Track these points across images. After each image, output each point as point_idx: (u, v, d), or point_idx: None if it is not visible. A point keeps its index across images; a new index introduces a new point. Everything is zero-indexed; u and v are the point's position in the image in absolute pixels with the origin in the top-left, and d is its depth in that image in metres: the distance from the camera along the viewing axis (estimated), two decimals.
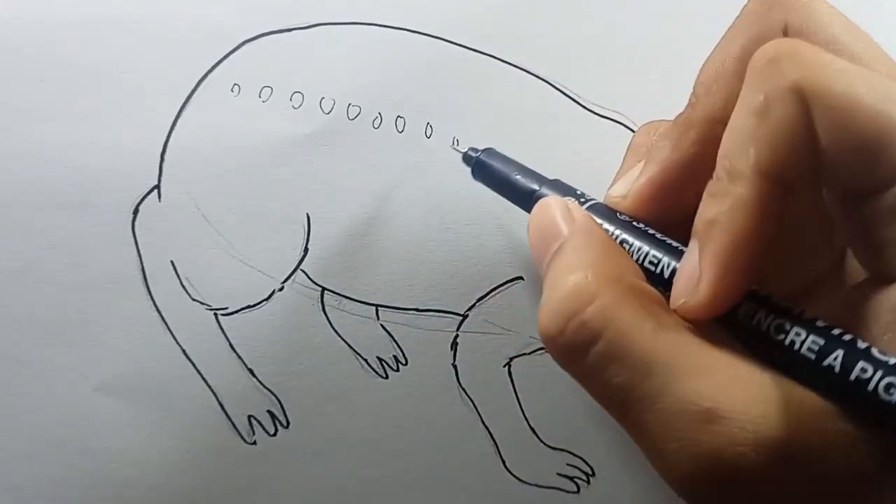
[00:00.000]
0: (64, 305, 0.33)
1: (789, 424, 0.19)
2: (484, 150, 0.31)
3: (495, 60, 0.35)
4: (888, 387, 0.19)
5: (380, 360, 0.34)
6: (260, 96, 0.33)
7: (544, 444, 0.34)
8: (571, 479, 0.34)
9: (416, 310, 0.34)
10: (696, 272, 0.21)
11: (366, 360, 0.34)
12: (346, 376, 0.34)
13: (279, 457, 0.34)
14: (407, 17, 0.34)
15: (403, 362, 0.34)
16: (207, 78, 0.33)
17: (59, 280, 0.32)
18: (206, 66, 0.33)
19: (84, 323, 0.33)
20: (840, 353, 0.20)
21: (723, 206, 0.21)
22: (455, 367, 0.34)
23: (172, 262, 0.33)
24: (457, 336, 0.34)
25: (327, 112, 0.34)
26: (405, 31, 0.34)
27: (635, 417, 0.21)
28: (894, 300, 0.20)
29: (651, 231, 0.25)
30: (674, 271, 0.23)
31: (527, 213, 0.28)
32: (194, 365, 0.33)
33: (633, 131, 0.35)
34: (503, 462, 0.34)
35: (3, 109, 0.32)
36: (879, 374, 0.19)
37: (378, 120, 0.34)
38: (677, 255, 0.24)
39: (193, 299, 0.33)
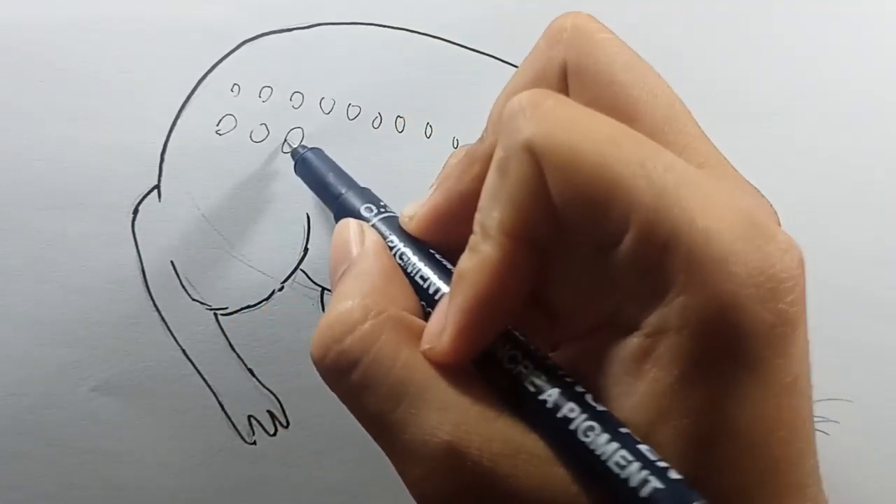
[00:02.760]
0: (64, 305, 0.33)
1: (516, 467, 0.20)
2: (311, 149, 0.32)
3: (495, 60, 0.35)
4: (617, 457, 0.19)
5: None
6: (260, 96, 0.33)
7: None
8: None
9: None
10: (442, 322, 0.22)
11: None
12: None
13: (279, 457, 0.34)
14: (407, 17, 0.34)
15: None
16: (207, 78, 0.33)
17: (59, 280, 0.33)
18: (206, 66, 0.33)
19: (84, 323, 0.33)
20: (573, 407, 0.20)
21: (472, 262, 0.21)
22: None
23: (172, 262, 0.33)
24: None
25: (327, 112, 0.34)
26: (405, 31, 0.34)
27: (387, 443, 0.22)
28: (624, 353, 0.21)
29: (432, 251, 0.26)
30: (434, 292, 0.24)
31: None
32: (194, 365, 0.33)
33: None
34: None
35: (3, 109, 0.32)
36: (605, 437, 0.20)
37: (378, 120, 0.34)
38: (445, 278, 0.25)
39: (193, 299, 0.33)
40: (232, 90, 0.33)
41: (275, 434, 0.34)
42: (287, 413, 0.34)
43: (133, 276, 0.33)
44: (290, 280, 0.33)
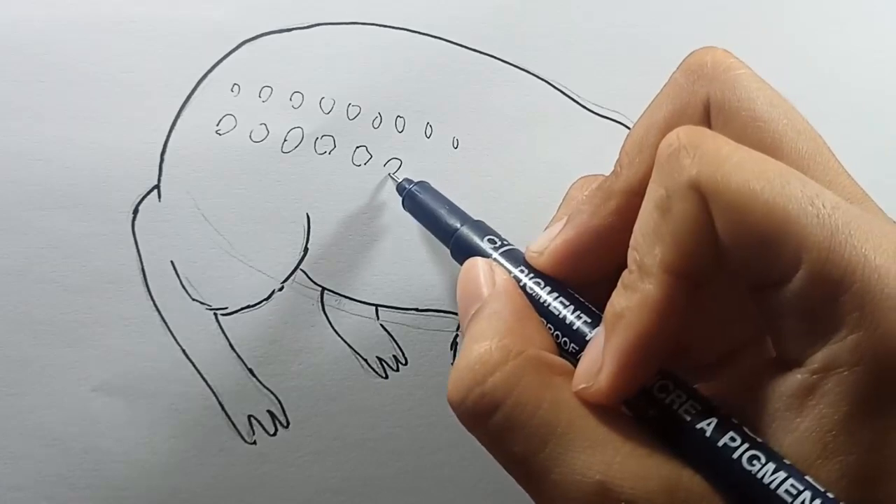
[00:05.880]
0: (64, 305, 0.33)
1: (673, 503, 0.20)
2: (417, 183, 0.32)
3: (495, 60, 0.35)
4: (787, 486, 0.19)
5: (380, 360, 0.34)
6: (260, 96, 0.33)
7: None
8: None
9: (416, 310, 0.34)
10: (598, 361, 0.22)
11: (366, 360, 0.34)
12: (346, 376, 0.34)
13: (279, 457, 0.34)
14: (407, 17, 0.34)
15: (403, 362, 0.34)
16: (207, 78, 0.33)
17: (59, 280, 0.33)
18: (206, 66, 0.33)
19: (84, 323, 0.33)
20: (734, 436, 0.20)
21: (630, 301, 0.21)
22: None
23: (172, 262, 0.33)
24: (457, 336, 0.34)
25: (327, 112, 0.34)
26: (405, 31, 0.34)
27: (533, 485, 0.22)
28: (785, 389, 0.21)
29: (559, 284, 0.26)
30: (571, 327, 0.24)
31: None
32: (194, 365, 0.33)
33: None
34: None
35: (3, 109, 0.32)
36: (772, 466, 0.19)
37: (378, 120, 0.34)
38: (583, 313, 0.24)
39: (193, 299, 0.33)
40: (232, 90, 0.33)
41: (275, 434, 0.34)
42: (287, 413, 0.34)
43: (133, 276, 0.33)
44: (290, 280, 0.33)
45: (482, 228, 0.29)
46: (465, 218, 0.30)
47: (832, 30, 0.37)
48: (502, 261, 0.27)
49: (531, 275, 0.26)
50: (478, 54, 0.35)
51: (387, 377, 0.34)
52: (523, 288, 0.26)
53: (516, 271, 0.26)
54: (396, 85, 0.34)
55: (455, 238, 0.29)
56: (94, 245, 0.33)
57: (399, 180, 0.33)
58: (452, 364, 0.34)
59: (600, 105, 0.35)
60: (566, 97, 0.35)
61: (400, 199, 0.33)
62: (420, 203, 0.32)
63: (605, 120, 0.35)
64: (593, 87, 0.35)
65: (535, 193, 0.35)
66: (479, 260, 0.27)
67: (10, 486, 0.33)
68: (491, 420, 0.22)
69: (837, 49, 0.37)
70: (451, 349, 0.34)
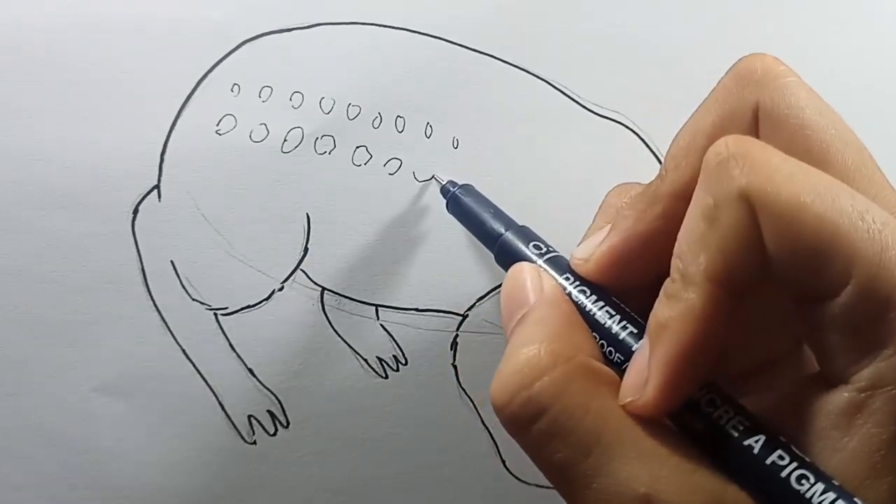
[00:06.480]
0: (64, 305, 0.33)
1: None
2: (461, 186, 0.32)
3: (495, 60, 0.35)
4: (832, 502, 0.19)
5: (380, 360, 0.34)
6: (260, 96, 0.33)
7: None
8: None
9: (416, 310, 0.34)
10: (644, 373, 0.22)
11: (366, 360, 0.34)
12: (346, 376, 0.34)
13: (279, 457, 0.34)
14: (407, 17, 0.34)
15: (403, 362, 0.34)
16: (207, 78, 0.33)
17: (59, 280, 0.33)
18: (206, 66, 0.33)
19: (84, 323, 0.33)
20: (782, 454, 0.20)
21: (674, 311, 0.21)
22: (455, 367, 0.34)
23: (172, 262, 0.33)
24: (457, 336, 0.34)
25: (327, 112, 0.34)
26: (405, 31, 0.34)
27: (574, 493, 0.21)
28: (832, 406, 0.20)
29: (604, 293, 0.26)
30: (617, 337, 0.24)
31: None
32: (194, 365, 0.33)
33: (632, 131, 0.35)
34: (503, 462, 0.34)
35: (3, 109, 0.32)
36: (821, 486, 0.19)
37: (378, 120, 0.34)
38: (629, 322, 0.24)
39: (193, 299, 0.33)
40: (232, 90, 0.33)
41: (275, 434, 0.34)
42: (287, 413, 0.34)
43: (133, 276, 0.33)
44: (290, 280, 0.33)
45: (527, 234, 0.29)
46: (509, 223, 0.30)
47: (832, 30, 0.37)
48: (547, 268, 0.27)
49: (576, 283, 0.26)
50: (478, 54, 0.35)
51: (387, 377, 0.34)
52: (568, 296, 0.26)
53: (561, 279, 0.26)
54: (396, 85, 0.34)
55: (500, 243, 0.29)
56: (94, 245, 0.33)
57: (443, 182, 0.33)
58: (452, 363, 0.34)
59: (600, 105, 0.35)
60: (566, 97, 0.35)
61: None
62: (464, 206, 0.31)
63: (605, 120, 0.35)
64: (593, 87, 0.35)
65: (534, 193, 0.35)
66: (525, 265, 0.27)
67: (10, 486, 0.33)
68: (535, 426, 0.22)
69: (837, 49, 0.37)
70: (451, 349, 0.34)
